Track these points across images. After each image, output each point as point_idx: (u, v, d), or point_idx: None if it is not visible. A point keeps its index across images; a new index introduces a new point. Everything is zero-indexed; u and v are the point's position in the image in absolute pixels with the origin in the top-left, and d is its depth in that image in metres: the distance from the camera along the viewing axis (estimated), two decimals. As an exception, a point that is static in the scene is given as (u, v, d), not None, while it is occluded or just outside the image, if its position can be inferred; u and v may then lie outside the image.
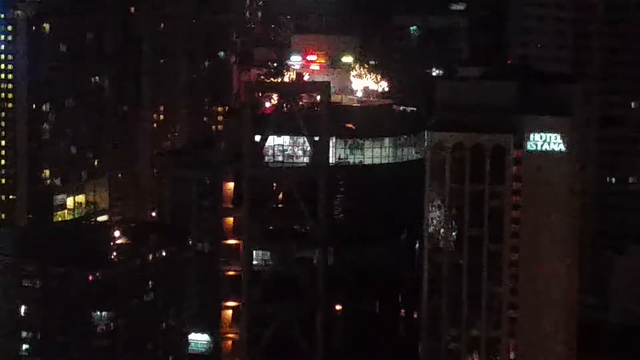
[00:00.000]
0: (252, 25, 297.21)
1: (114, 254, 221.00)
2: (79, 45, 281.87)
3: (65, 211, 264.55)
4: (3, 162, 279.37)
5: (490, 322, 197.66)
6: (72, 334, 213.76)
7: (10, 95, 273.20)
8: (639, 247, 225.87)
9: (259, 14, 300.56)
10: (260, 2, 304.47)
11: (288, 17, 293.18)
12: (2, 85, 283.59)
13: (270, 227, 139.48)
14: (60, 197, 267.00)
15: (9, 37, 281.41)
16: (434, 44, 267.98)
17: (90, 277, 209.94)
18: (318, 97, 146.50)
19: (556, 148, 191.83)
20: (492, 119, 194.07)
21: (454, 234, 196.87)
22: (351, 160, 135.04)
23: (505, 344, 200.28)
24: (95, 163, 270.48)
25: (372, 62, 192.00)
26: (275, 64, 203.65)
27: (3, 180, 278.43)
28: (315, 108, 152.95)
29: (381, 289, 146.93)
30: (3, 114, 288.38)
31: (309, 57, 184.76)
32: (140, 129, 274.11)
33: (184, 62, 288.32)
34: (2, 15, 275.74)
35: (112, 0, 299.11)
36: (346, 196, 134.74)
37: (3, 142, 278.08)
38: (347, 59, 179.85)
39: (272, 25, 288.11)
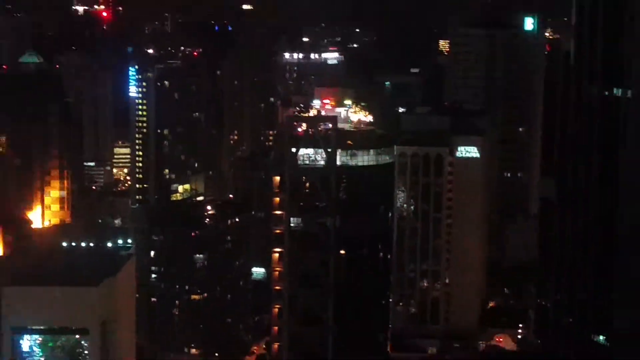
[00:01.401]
0: (290, 82, 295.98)
1: (207, 220, 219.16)
2: (186, 93, 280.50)
3: (178, 194, 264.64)
4: (141, 164, 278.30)
5: (434, 261, 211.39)
6: (180, 267, 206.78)
7: (145, 125, 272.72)
8: (523, 217, 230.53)
9: (294, 74, 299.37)
10: (295, 67, 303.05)
11: (312, 76, 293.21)
12: (140, 119, 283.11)
13: (301, 204, 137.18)
14: (174, 185, 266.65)
15: (144, 90, 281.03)
16: (400, 92, 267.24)
17: (193, 234, 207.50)
18: (330, 125, 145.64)
19: (474, 155, 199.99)
20: (435, 138, 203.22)
21: (412, 207, 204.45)
22: (350, 163, 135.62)
23: (442, 274, 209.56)
24: (196, 165, 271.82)
25: (362, 104, 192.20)
26: (303, 106, 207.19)
27: (140, 176, 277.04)
28: (328, 132, 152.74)
29: (369, 243, 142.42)
30: (141, 135, 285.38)
31: (325, 101, 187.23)
32: (223, 144, 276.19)
33: (248, 104, 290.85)
34: (140, 76, 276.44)
35: (206, 67, 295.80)
36: (347, 185, 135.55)
37: (141, 152, 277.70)
38: (347, 102, 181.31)
39: (302, 82, 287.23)
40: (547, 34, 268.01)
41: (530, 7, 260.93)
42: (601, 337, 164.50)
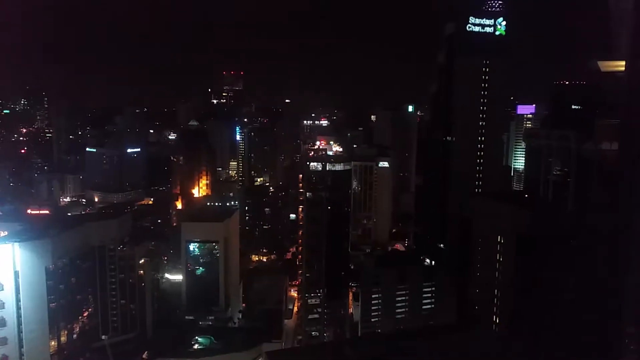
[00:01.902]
0: (306, 132, 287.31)
1: (270, 193, 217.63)
2: (262, 137, 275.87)
3: (257, 182, 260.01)
4: (241, 169, 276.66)
5: (368, 212, 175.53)
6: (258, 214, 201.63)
7: (242, 151, 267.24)
8: (408, 192, 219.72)
9: (308, 129, 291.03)
10: (308, 127, 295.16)
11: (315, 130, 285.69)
12: (240, 148, 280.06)
13: (311, 186, 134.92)
14: (255, 178, 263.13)
15: (242, 136, 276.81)
16: (354, 139, 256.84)
17: (263, 199, 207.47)
18: (324, 152, 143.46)
19: (386, 166, 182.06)
20: (368, 158, 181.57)
21: (358, 188, 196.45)
22: (333, 169, 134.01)
23: (372, 218, 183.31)
24: (265, 169, 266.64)
25: (337, 143, 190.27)
26: (312, 143, 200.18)
27: (241, 174, 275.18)
28: (323, 155, 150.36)
29: (340, 204, 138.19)
30: (240, 156, 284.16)
31: (321, 141, 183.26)
32: (277, 159, 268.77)
33: (288, 142, 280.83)
34: (241, 130, 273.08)
35: (270, 126, 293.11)
36: (332, 178, 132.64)
37: (241, 163, 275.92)
38: (331, 142, 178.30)
39: (311, 133, 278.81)
40: (418, 112, 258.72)
41: (409, 100, 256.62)
42: (442, 245, 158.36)
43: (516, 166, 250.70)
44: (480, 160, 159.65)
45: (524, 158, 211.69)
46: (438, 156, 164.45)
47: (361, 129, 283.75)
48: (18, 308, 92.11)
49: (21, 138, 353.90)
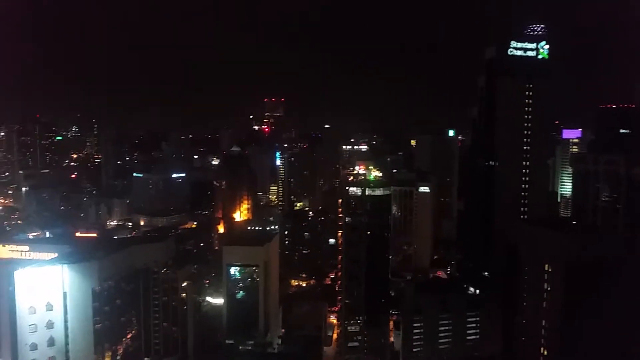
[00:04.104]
0: (346, 156, 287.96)
1: (309, 217, 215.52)
2: (302, 163, 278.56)
3: (297, 206, 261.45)
4: (281, 193, 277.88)
5: (408, 237, 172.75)
6: (297, 239, 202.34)
7: (282, 176, 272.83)
8: (449, 218, 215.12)
9: (347, 155, 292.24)
10: (347, 152, 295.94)
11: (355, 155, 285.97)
12: (281, 174, 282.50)
13: (350, 211, 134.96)
14: (295, 203, 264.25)
15: (282, 161, 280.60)
16: (394, 163, 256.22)
17: (303, 224, 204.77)
18: (363, 177, 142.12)
19: (427, 191, 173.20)
20: (408, 182, 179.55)
21: (398, 213, 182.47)
22: (372, 193, 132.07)
23: (412, 244, 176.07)
24: (305, 194, 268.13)
25: (377, 168, 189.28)
26: (351, 168, 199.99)
27: (281, 198, 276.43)
28: (362, 179, 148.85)
29: (380, 229, 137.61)
30: (281, 181, 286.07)
31: (360, 166, 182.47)
32: (316, 184, 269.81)
33: (327, 167, 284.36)
34: (281, 155, 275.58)
35: (309, 152, 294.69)
36: (371, 203, 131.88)
37: (282, 188, 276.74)
38: (370, 167, 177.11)
39: (350, 158, 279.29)
40: (459, 137, 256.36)
41: (450, 124, 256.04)
42: (486, 273, 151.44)
43: (563, 192, 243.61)
44: (525, 186, 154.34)
45: (570, 183, 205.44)
46: (481, 181, 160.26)
47: (401, 153, 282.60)
48: (66, 328, 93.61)
49: (72, 163, 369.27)
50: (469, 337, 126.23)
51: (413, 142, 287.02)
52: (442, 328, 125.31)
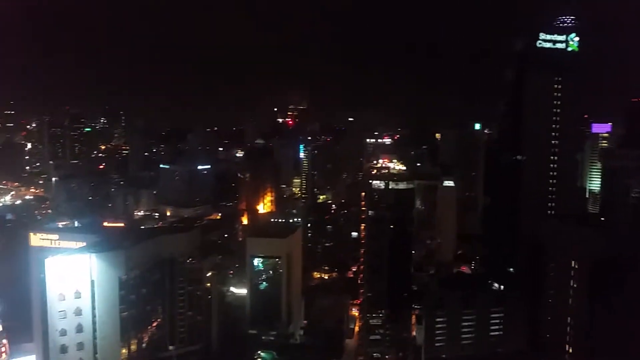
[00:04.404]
0: (370, 149, 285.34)
1: (332, 210, 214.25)
2: (324, 155, 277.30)
3: (320, 199, 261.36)
4: (304, 186, 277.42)
5: (432, 232, 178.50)
6: (320, 231, 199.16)
7: (306, 169, 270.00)
8: (475, 211, 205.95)
9: (370, 148, 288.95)
10: (371, 145, 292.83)
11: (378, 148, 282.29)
12: (304, 167, 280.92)
13: (373, 205, 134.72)
14: (318, 195, 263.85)
15: (306, 154, 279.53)
16: (418, 157, 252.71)
17: (326, 217, 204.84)
18: (386, 170, 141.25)
19: (451, 185, 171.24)
20: (432, 176, 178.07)
21: (422, 207, 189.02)
22: (395, 187, 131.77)
23: (435, 238, 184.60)
24: (328, 187, 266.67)
25: (400, 161, 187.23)
26: (375, 161, 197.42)
27: (304, 191, 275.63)
28: (385, 173, 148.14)
29: (403, 223, 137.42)
30: (304, 174, 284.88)
31: (384, 159, 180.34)
32: (340, 177, 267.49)
33: (350, 160, 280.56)
34: (304, 148, 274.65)
35: (332, 145, 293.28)
36: (394, 197, 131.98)
37: (305, 181, 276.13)
38: (394, 160, 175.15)
39: (374, 151, 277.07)
40: (485, 130, 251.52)
41: (476, 118, 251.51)
42: (511, 269, 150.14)
43: (591, 187, 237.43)
44: (553, 181, 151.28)
45: (599, 179, 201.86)
46: (507, 176, 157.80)
47: (425, 147, 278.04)
48: (93, 315, 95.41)
49: (100, 155, 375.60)
50: (492, 333, 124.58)
51: (438, 136, 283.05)
52: (465, 323, 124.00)
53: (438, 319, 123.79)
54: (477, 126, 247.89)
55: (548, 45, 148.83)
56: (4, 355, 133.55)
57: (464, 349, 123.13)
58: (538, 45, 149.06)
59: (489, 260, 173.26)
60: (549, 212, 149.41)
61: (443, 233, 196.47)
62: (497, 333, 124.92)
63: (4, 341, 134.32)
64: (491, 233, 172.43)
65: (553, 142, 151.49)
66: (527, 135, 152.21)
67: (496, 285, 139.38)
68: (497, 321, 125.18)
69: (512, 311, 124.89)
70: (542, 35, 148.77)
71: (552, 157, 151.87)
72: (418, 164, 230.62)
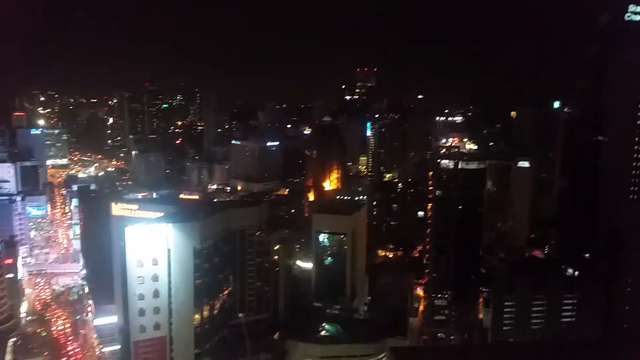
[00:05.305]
0: (439, 128, 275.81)
1: (398, 189, 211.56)
2: (392, 134, 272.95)
3: (386, 177, 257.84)
4: (370, 164, 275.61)
5: (503, 214, 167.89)
6: (385, 210, 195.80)
7: (372, 146, 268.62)
8: (550, 194, 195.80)
9: (440, 125, 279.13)
10: (440, 123, 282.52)
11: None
12: (371, 144, 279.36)
13: (440, 184, 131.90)
14: (384, 174, 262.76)
15: (373, 132, 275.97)
16: (490, 136, 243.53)
17: (392, 195, 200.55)
18: (457, 149, 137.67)
19: (526, 165, 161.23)
20: (506, 156, 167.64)
21: (493, 189, 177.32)
22: (465, 167, 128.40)
23: (507, 221, 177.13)
24: (394, 165, 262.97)
25: (471, 140, 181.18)
26: (445, 140, 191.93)
27: (370, 169, 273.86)
28: (455, 151, 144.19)
29: (473, 203, 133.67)
30: (370, 152, 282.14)
31: (454, 138, 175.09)
32: (406, 156, 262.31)
33: (418, 138, 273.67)
34: (372, 126, 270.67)
35: (399, 123, 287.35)
36: (464, 177, 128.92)
37: (371, 159, 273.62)
38: (465, 139, 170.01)
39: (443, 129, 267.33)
40: (565, 109, 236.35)
41: (554, 95, 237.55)
42: (587, 255, 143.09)
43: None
44: (636, 164, 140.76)
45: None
46: (587, 158, 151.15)
47: (499, 125, 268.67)
48: (169, 282, 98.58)
49: (176, 130, 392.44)
50: (564, 320, 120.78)
51: (513, 114, 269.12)
52: (536, 309, 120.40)
53: (507, 303, 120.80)
54: (556, 104, 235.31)
55: (638, 18, 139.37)
56: (89, 314, 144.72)
57: (533, 334, 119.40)
58: (626, 18, 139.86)
59: (564, 245, 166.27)
60: (630, 196, 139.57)
61: (515, 216, 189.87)
62: (569, 320, 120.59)
63: (90, 302, 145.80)
64: (567, 217, 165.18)
65: (638, 122, 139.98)
66: (610, 114, 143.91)
67: (570, 271, 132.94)
68: (570, 308, 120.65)
69: (586, 298, 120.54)
70: (632, 7, 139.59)
71: (636, 139, 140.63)
72: (491, 143, 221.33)
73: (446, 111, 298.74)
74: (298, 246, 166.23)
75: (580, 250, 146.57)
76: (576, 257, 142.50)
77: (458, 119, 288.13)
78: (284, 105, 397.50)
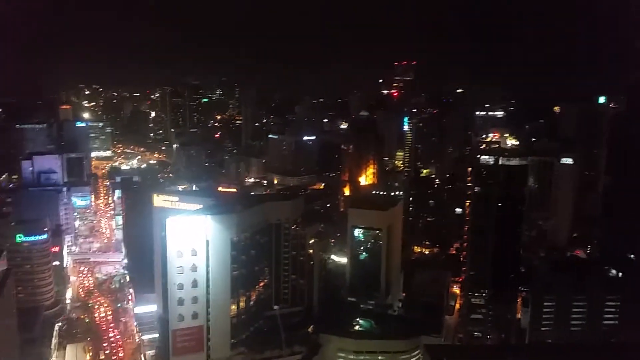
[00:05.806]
0: (479, 123, 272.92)
1: (435, 185, 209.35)
2: (429, 129, 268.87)
3: (423, 173, 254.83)
4: (407, 159, 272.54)
5: (545, 212, 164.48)
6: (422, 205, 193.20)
7: (409, 142, 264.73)
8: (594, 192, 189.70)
9: (480, 121, 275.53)
10: (481, 118, 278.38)
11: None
12: (407, 140, 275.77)
13: (479, 180, 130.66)
14: (421, 170, 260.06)
15: (410, 127, 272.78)
16: (533, 132, 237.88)
17: (428, 191, 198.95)
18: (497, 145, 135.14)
19: (570, 162, 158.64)
20: (548, 152, 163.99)
21: (535, 185, 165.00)
22: (506, 163, 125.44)
23: (550, 219, 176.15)
24: (432, 160, 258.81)
25: (513, 135, 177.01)
26: (484, 135, 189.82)
27: (407, 164, 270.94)
28: (495, 148, 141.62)
29: (513, 201, 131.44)
30: (407, 147, 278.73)
31: (495, 134, 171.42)
32: (444, 151, 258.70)
33: (457, 133, 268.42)
34: (409, 121, 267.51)
35: (438, 118, 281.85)
36: (505, 173, 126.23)
37: (408, 154, 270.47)
38: (505, 135, 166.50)
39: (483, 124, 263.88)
40: (611, 104, 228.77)
41: (601, 90, 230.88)
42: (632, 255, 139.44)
43: None
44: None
45: None
46: (633, 155, 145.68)
47: (542, 121, 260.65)
48: (207, 272, 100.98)
49: (216, 124, 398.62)
50: (605, 322, 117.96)
51: (556, 109, 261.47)
52: (576, 310, 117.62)
53: (546, 303, 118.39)
54: (602, 99, 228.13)
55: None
56: (130, 302, 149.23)
57: (573, 335, 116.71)
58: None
59: (607, 244, 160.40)
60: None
61: (558, 214, 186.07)
62: (611, 322, 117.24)
63: (131, 290, 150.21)
64: (612, 216, 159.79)
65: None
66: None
67: (614, 271, 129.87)
68: (612, 309, 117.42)
69: (630, 300, 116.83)
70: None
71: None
72: (533, 139, 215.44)
73: (487, 105, 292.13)
74: (333, 240, 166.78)
75: (625, 250, 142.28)
76: (620, 258, 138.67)
77: (499, 113, 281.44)
78: (321, 100, 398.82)
